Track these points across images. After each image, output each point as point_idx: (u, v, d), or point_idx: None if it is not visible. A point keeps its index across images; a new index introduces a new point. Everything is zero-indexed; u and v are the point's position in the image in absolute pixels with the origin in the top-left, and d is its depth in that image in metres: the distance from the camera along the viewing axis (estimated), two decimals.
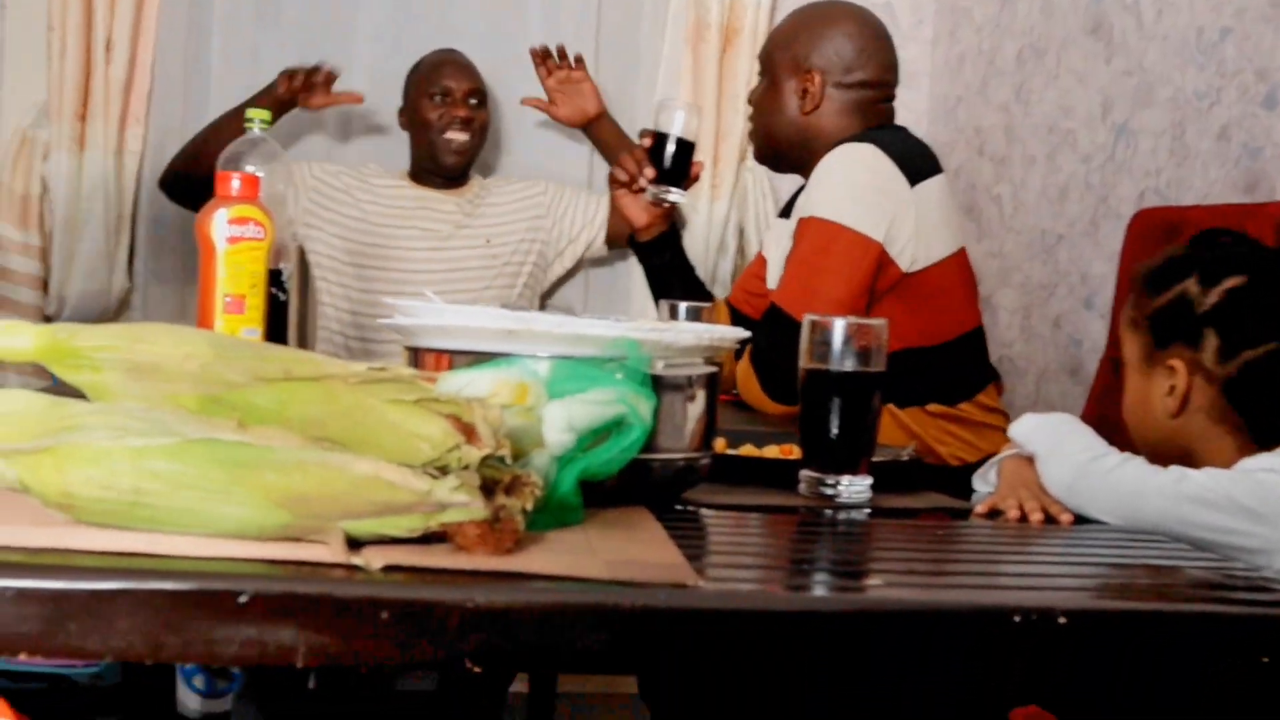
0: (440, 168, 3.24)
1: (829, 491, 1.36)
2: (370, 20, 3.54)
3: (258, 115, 2.21)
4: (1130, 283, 1.64)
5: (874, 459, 1.44)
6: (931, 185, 2.34)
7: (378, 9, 3.55)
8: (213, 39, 3.48)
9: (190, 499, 0.92)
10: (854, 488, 1.37)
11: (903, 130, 2.50)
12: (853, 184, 2.31)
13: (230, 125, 3.16)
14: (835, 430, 1.36)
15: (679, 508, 1.25)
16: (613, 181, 2.57)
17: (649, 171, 2.51)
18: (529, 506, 0.97)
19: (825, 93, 2.45)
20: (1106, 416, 2.53)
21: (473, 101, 3.23)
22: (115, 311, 3.42)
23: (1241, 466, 1.45)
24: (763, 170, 3.43)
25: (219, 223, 2.00)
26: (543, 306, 3.44)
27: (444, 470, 0.94)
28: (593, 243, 3.38)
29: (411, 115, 3.26)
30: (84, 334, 1.03)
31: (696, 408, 1.22)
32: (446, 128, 3.20)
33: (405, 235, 3.23)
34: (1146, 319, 1.57)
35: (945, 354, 2.36)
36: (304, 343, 3.35)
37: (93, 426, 0.93)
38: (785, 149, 2.51)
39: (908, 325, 2.30)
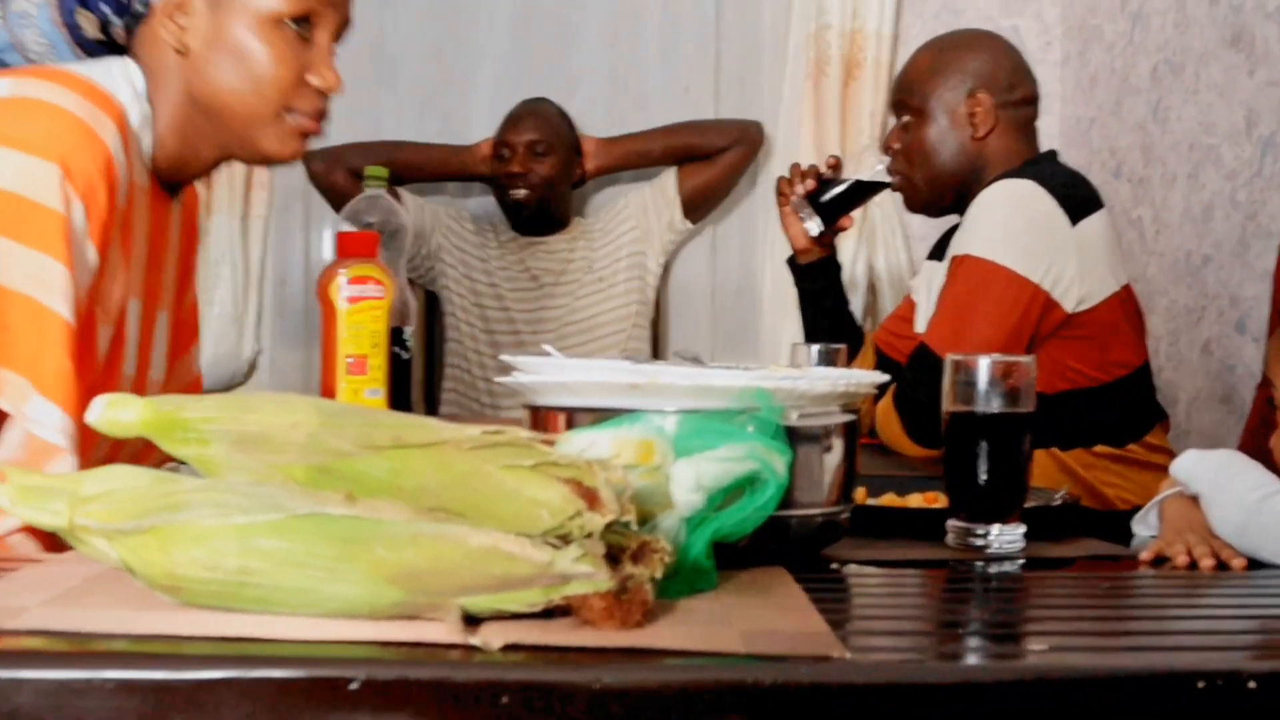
0: (515, 222, 3.23)
1: (979, 542, 1.28)
2: (490, 73, 3.54)
3: (375, 173, 2.19)
4: None
5: (1026, 504, 1.35)
6: (1094, 222, 2.24)
7: (496, 61, 3.54)
8: (333, 99, 3.47)
9: (298, 578, 0.86)
10: (1005, 537, 1.28)
11: (1059, 163, 2.41)
12: (1011, 222, 2.22)
13: (432, 155, 3.24)
14: (984, 476, 1.27)
15: (820, 566, 1.17)
16: (779, 192, 2.52)
17: (801, 187, 2.46)
18: (658, 575, 0.90)
19: (996, 114, 2.35)
20: (1264, 448, 2.40)
21: (537, 151, 3.20)
22: (245, 374, 3.44)
23: None
24: (891, 205, 3.35)
25: (339, 283, 1.97)
26: (656, 352, 3.39)
27: (566, 539, 0.88)
28: (672, 220, 3.33)
29: (491, 173, 3.27)
30: (190, 406, 0.98)
31: (834, 459, 1.14)
32: (507, 185, 3.20)
33: (521, 281, 3.22)
34: None
35: (1112, 393, 2.26)
36: (432, 392, 3.37)
37: (197, 504, 0.88)
38: (950, 184, 2.39)
39: (1073, 365, 2.22)
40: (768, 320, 3.50)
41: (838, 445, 1.14)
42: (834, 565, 1.19)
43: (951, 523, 1.30)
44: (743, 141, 3.37)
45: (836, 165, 2.51)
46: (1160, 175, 3.09)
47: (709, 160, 3.34)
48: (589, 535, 0.88)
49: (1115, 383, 2.26)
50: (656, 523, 0.98)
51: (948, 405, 1.29)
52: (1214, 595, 1.18)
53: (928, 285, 2.47)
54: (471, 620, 0.87)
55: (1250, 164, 2.74)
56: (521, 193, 3.20)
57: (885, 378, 1.23)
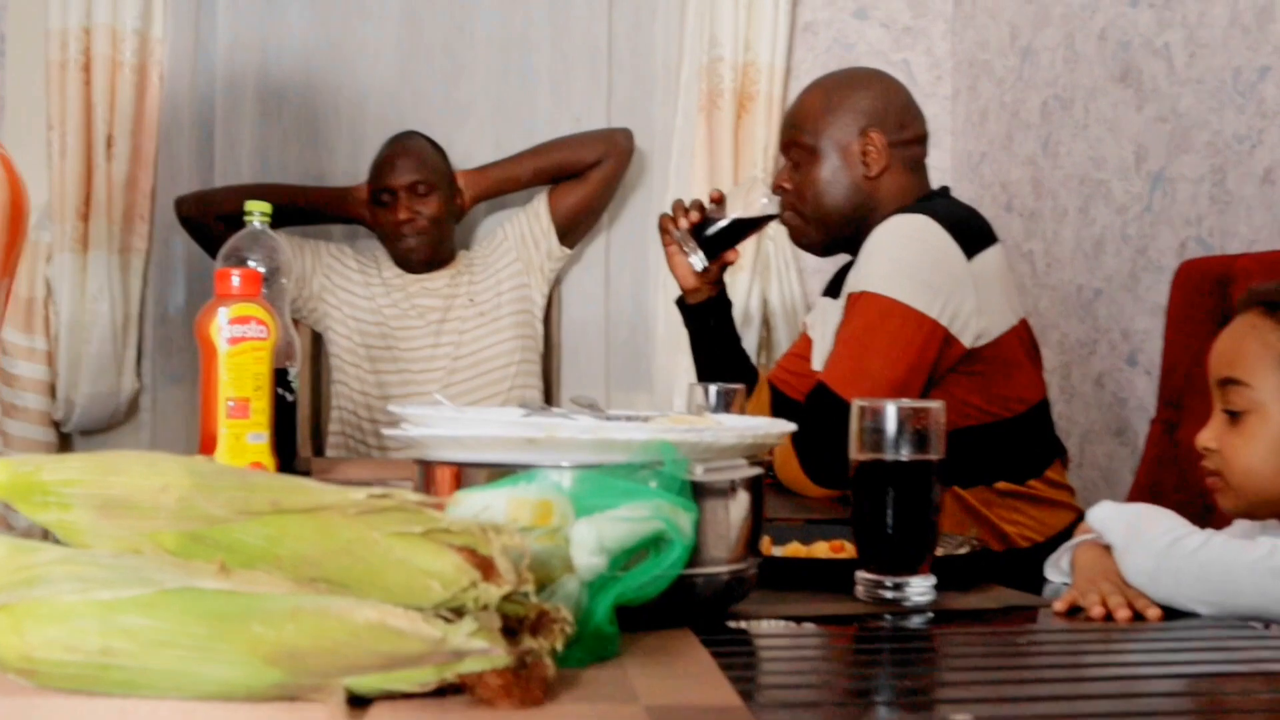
0: (409, 264, 3.16)
1: (889, 595, 1.23)
2: (375, 104, 3.46)
3: (258, 208, 2.11)
4: (1260, 310, 1.48)
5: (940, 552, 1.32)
6: (989, 256, 2.22)
7: (383, 94, 3.47)
8: (216, 133, 3.39)
9: (168, 658, 0.79)
10: (916, 590, 1.24)
11: (952, 198, 2.39)
12: (907, 257, 2.19)
13: (309, 197, 3.19)
14: (893, 526, 1.23)
15: (725, 626, 1.12)
16: (661, 229, 2.45)
17: (685, 221, 2.40)
18: (559, 646, 0.85)
19: (890, 152, 2.32)
20: (1160, 483, 2.40)
21: (420, 191, 3.13)
22: (125, 413, 3.32)
23: None
24: (784, 238, 3.32)
25: (220, 323, 1.89)
26: (549, 399, 3.33)
27: (459, 612, 0.82)
28: (550, 248, 3.28)
29: (370, 216, 3.19)
30: (50, 467, 0.91)
31: (741, 513, 1.09)
32: (395, 235, 3.13)
33: (408, 319, 3.14)
34: None
35: (1012, 429, 2.24)
36: (319, 434, 3.28)
37: (55, 578, 0.81)
38: (842, 223, 2.35)
39: (972, 401, 2.20)
40: (661, 357, 3.46)
41: (744, 499, 1.09)
42: (740, 624, 1.14)
43: (860, 574, 1.25)
44: (611, 154, 3.30)
45: (720, 199, 2.44)
46: (1051, 209, 3.10)
47: (579, 178, 3.28)
48: (484, 607, 0.82)
49: (1015, 418, 2.24)
50: (556, 588, 0.92)
51: (855, 453, 1.25)
52: (1130, 649, 1.15)
53: (823, 322, 2.44)
54: (358, 702, 0.81)
55: (1140, 198, 2.76)
56: (412, 240, 3.12)
57: (791, 427, 1.19)
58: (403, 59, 3.46)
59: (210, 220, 3.11)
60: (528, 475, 0.97)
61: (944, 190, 2.42)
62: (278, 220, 3.15)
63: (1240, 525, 1.46)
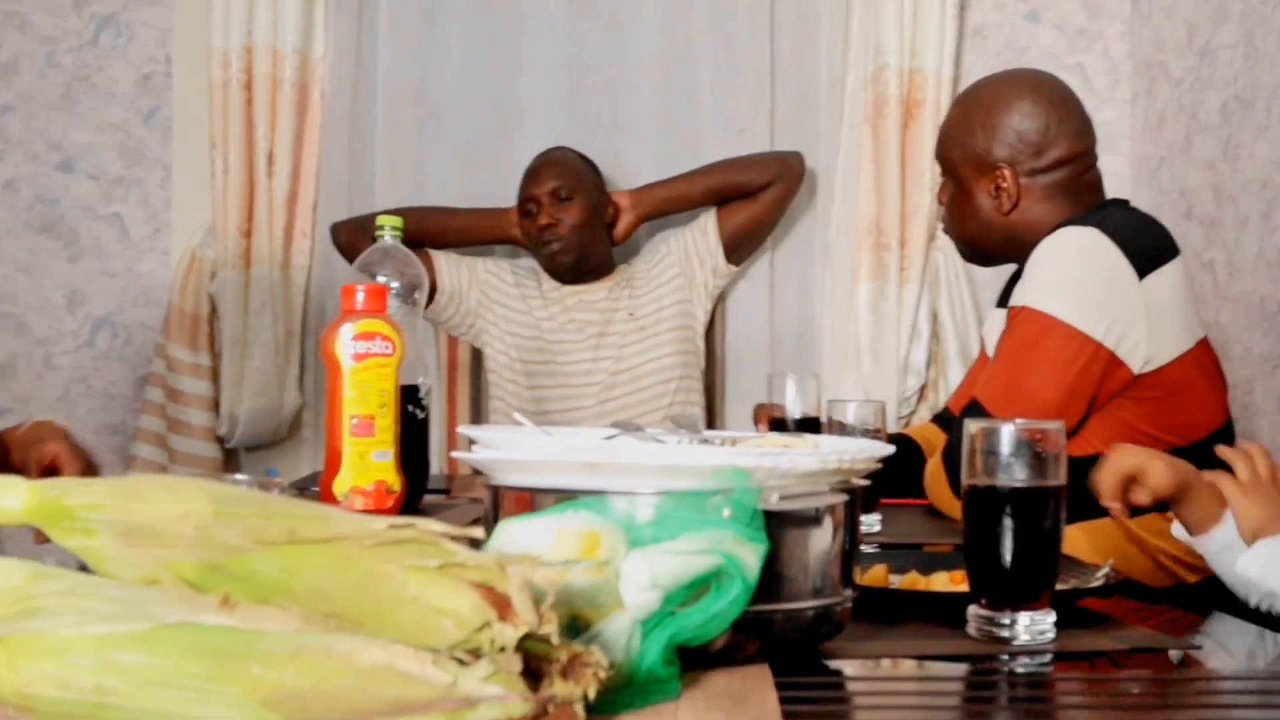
0: (558, 275, 3.11)
1: (1003, 633, 1.13)
2: (534, 121, 3.42)
3: (389, 222, 2.08)
4: None
5: (1060, 586, 1.21)
6: (1165, 274, 2.06)
7: (544, 109, 3.43)
8: (375, 149, 3.40)
9: (162, 699, 0.74)
10: (1034, 627, 1.13)
11: (1129, 209, 2.24)
12: (1072, 274, 2.06)
13: (462, 221, 3.19)
14: (1008, 558, 1.12)
15: (814, 665, 1.03)
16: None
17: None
18: (591, 693, 0.77)
19: (1020, 186, 2.19)
20: None
21: (561, 196, 3.08)
22: (288, 428, 3.35)
23: None
24: (953, 248, 3.19)
25: (344, 339, 1.86)
26: (711, 414, 3.24)
27: (477, 653, 0.75)
28: (716, 265, 3.19)
29: (521, 230, 3.16)
30: (76, 492, 0.87)
31: (826, 545, 1.00)
32: (539, 243, 3.09)
33: (565, 333, 3.10)
34: None
35: (1188, 457, 2.08)
36: None
37: (54, 610, 0.77)
38: (991, 249, 2.26)
39: (1144, 428, 2.05)
40: (829, 371, 3.35)
41: (830, 529, 1.00)
42: (834, 662, 1.05)
43: (972, 610, 1.15)
44: (783, 176, 3.22)
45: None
46: (1233, 216, 2.92)
47: (750, 199, 3.20)
48: (502, 649, 0.75)
49: (1191, 446, 2.08)
50: (604, 626, 0.85)
51: (966, 477, 1.15)
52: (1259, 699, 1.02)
53: (994, 335, 2.31)
54: None
55: None
56: (555, 246, 3.08)
57: (889, 449, 1.09)
58: (563, 76, 3.42)
59: (364, 245, 3.11)
60: (578, 503, 0.90)
61: (1120, 201, 2.27)
62: (434, 243, 3.17)
63: None
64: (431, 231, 3.16)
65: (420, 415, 2.03)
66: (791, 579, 0.98)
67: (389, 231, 2.07)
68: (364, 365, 1.86)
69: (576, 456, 0.95)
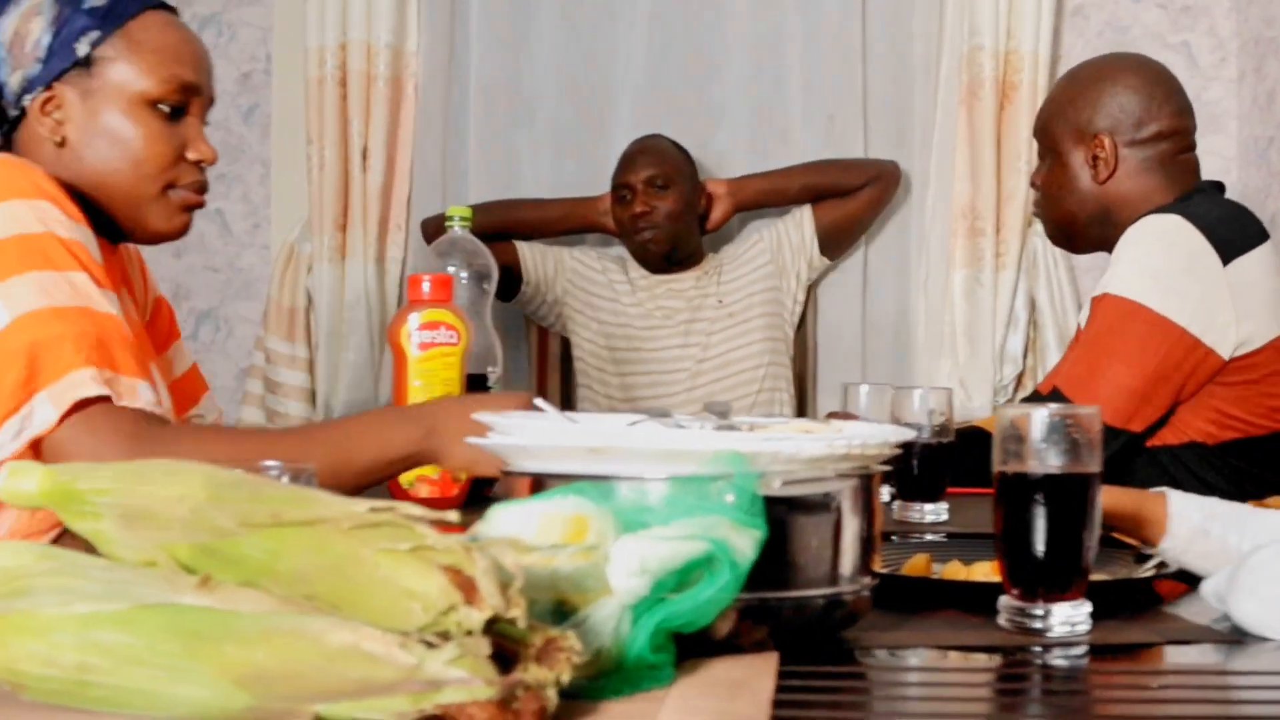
0: (650, 257, 3.10)
1: (1036, 625, 1.10)
2: (627, 109, 3.43)
3: (458, 213, 2.09)
4: None
5: (1104, 576, 1.18)
6: (1252, 260, 2.03)
7: (635, 97, 3.43)
8: (469, 140, 3.43)
9: (141, 677, 0.75)
10: (1067, 618, 1.10)
11: (1218, 194, 2.20)
12: (1155, 260, 2.04)
13: (551, 211, 3.20)
14: (1040, 547, 1.10)
15: (834, 654, 1.02)
16: None
17: None
18: (565, 678, 0.77)
19: (1119, 155, 2.17)
20: None
21: (657, 184, 3.07)
22: None
23: None
24: None
25: (409, 328, 1.88)
26: (802, 402, 3.22)
27: (448, 636, 0.75)
28: (811, 257, 3.17)
29: (615, 218, 3.15)
30: (86, 476, 0.88)
31: (840, 531, 0.98)
32: (633, 230, 3.07)
33: (653, 320, 3.10)
34: None
35: None
36: None
37: (41, 590, 0.78)
38: (1084, 227, 2.23)
39: (1236, 413, 2.04)
40: (923, 359, 3.32)
41: (841, 515, 0.98)
42: (858, 651, 1.03)
43: (1004, 600, 1.12)
44: (881, 178, 3.22)
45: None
46: None
47: (846, 197, 3.19)
48: (470, 633, 0.75)
49: None
50: (589, 612, 0.84)
51: (998, 463, 1.12)
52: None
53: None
54: None
55: None
56: (649, 234, 3.08)
57: (907, 434, 1.07)
58: (654, 62, 3.43)
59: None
60: (569, 488, 0.89)
61: (1213, 185, 2.23)
62: (524, 234, 3.18)
63: None
64: (521, 223, 3.18)
65: None
66: (800, 566, 0.96)
67: (458, 222, 2.09)
68: (429, 355, 1.88)
69: (578, 441, 0.95)
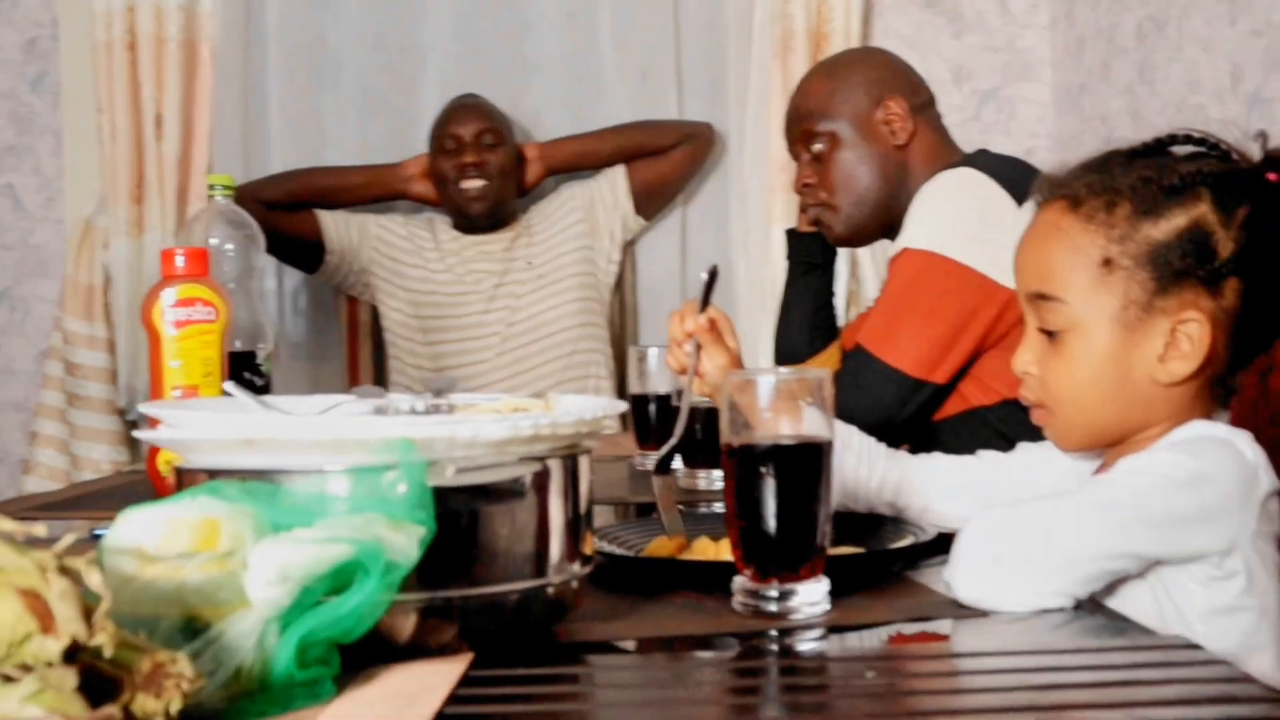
0: (468, 218, 3.00)
1: (770, 607, 1.03)
2: (436, 68, 3.32)
3: (220, 181, 1.98)
4: (1062, 204, 1.24)
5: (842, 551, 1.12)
6: None
7: (444, 55, 3.32)
8: (271, 104, 3.29)
9: None
10: (805, 599, 1.03)
11: (994, 154, 2.16)
12: (950, 210, 1.98)
13: (353, 178, 3.11)
14: (771, 523, 1.03)
15: (541, 651, 0.94)
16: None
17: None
18: (174, 707, 0.68)
19: (914, 117, 2.11)
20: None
21: (486, 141, 2.98)
22: None
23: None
24: None
25: (163, 305, 1.76)
26: (620, 353, 3.14)
27: (29, 668, 0.66)
28: (625, 217, 3.11)
29: (432, 171, 3.04)
30: None
31: (535, 519, 0.91)
32: (460, 177, 2.97)
33: (463, 285, 3.00)
34: (1149, 252, 1.18)
35: None
36: None
37: None
38: (877, 205, 2.13)
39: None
40: (744, 319, 3.26)
41: (536, 501, 0.91)
42: (563, 649, 0.96)
43: (737, 581, 1.05)
44: (693, 138, 3.16)
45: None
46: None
47: (659, 156, 3.12)
48: (50, 664, 0.65)
49: None
50: (224, 627, 0.75)
51: (725, 436, 1.05)
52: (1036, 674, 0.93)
53: None
54: None
55: (1237, 123, 2.46)
56: (477, 184, 2.97)
57: (619, 406, 0.99)
58: (463, 18, 3.31)
59: (250, 211, 3.00)
60: (204, 488, 0.80)
61: (983, 152, 2.19)
62: (326, 202, 3.06)
63: None
64: (321, 191, 3.06)
65: (259, 383, 1.94)
66: (487, 560, 0.88)
67: (220, 191, 1.97)
68: (185, 333, 1.77)
69: (231, 434, 0.86)
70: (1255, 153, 1.22)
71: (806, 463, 1.03)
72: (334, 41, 3.30)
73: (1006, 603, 1.05)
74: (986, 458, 1.39)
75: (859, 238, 2.21)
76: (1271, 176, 1.18)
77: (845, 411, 1.95)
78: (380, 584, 0.77)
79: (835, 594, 1.06)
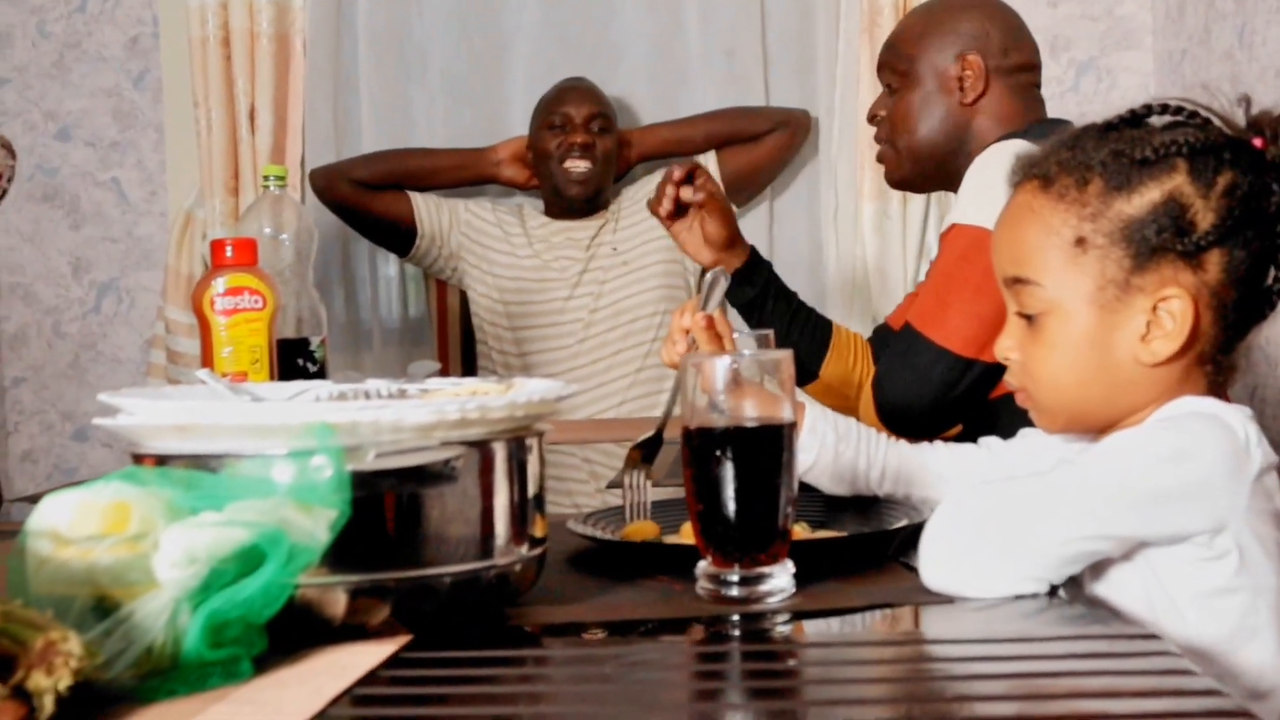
0: (564, 199, 3.00)
1: (733, 592, 1.03)
2: (522, 53, 3.33)
3: (273, 172, 2.02)
4: (1035, 184, 1.21)
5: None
6: None
7: (529, 42, 3.34)
8: (361, 95, 3.34)
9: None
10: (767, 584, 1.03)
11: (1066, 124, 2.12)
12: (1003, 186, 1.94)
13: (443, 161, 3.12)
14: (731, 507, 1.02)
15: (486, 634, 0.95)
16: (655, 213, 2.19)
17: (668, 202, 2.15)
18: (63, 684, 0.70)
19: (988, 77, 2.08)
20: None
21: (594, 127, 2.98)
22: None
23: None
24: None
25: (213, 294, 1.81)
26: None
27: None
28: None
29: (534, 147, 3.04)
30: None
31: (469, 503, 0.91)
32: (565, 156, 2.96)
33: (548, 272, 3.01)
34: (1122, 229, 1.14)
35: None
36: None
37: None
38: (934, 153, 2.10)
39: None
40: (835, 296, 3.23)
41: (472, 484, 0.91)
42: (527, 628, 0.97)
43: (701, 566, 1.05)
44: (788, 124, 3.12)
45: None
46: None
47: (752, 143, 3.10)
48: None
49: None
50: (135, 606, 0.77)
51: (687, 418, 1.05)
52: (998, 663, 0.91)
53: None
54: None
55: None
56: (582, 166, 2.95)
57: (564, 389, 0.99)
58: (548, 4, 3.33)
59: (341, 189, 3.07)
60: (118, 474, 0.82)
61: (1059, 121, 2.15)
62: (415, 184, 3.10)
63: None
64: (411, 174, 3.09)
65: (312, 370, 1.98)
66: (417, 543, 0.89)
67: (273, 182, 2.01)
68: (234, 321, 1.81)
69: (166, 420, 0.88)
70: (1240, 119, 1.17)
71: (765, 445, 1.03)
72: (420, 31, 3.34)
73: (977, 588, 1.03)
74: (987, 444, 1.37)
75: (912, 183, 2.19)
76: (1258, 142, 1.14)
77: (895, 392, 1.94)
78: (283, 566, 0.78)
79: (810, 579, 1.05)
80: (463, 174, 3.15)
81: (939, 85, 2.10)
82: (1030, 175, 1.19)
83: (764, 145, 3.12)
